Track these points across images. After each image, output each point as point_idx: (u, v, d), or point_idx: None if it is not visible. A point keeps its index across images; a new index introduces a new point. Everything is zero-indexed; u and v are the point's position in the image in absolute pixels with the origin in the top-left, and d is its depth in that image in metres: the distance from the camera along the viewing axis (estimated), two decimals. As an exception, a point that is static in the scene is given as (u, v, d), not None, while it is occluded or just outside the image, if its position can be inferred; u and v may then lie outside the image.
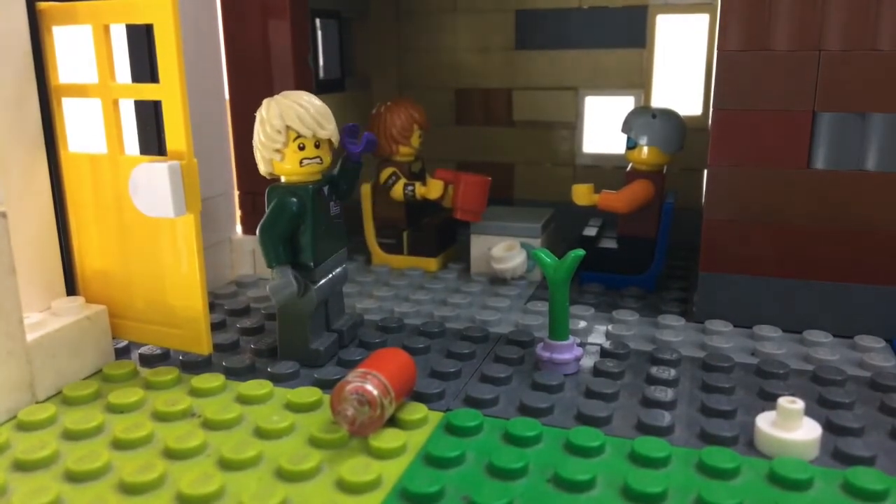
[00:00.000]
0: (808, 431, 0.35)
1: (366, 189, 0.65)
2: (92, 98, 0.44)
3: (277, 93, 0.58)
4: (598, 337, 0.50)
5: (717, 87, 0.48)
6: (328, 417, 0.38)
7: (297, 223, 0.43)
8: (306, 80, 0.60)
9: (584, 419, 0.38)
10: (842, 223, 0.48)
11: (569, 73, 0.72)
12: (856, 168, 0.47)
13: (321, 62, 0.71)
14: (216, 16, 0.58)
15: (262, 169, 0.44)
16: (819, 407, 0.39)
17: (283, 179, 0.44)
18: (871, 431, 0.37)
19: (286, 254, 0.43)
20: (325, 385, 0.42)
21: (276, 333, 0.46)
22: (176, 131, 0.41)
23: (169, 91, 0.41)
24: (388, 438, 0.35)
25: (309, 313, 0.44)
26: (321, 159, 0.44)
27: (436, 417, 0.38)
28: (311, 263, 0.44)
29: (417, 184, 0.63)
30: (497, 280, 0.60)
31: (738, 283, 0.50)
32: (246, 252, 0.62)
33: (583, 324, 0.50)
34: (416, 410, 0.38)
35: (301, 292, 0.43)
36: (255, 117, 0.44)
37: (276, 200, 0.43)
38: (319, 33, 0.70)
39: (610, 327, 0.50)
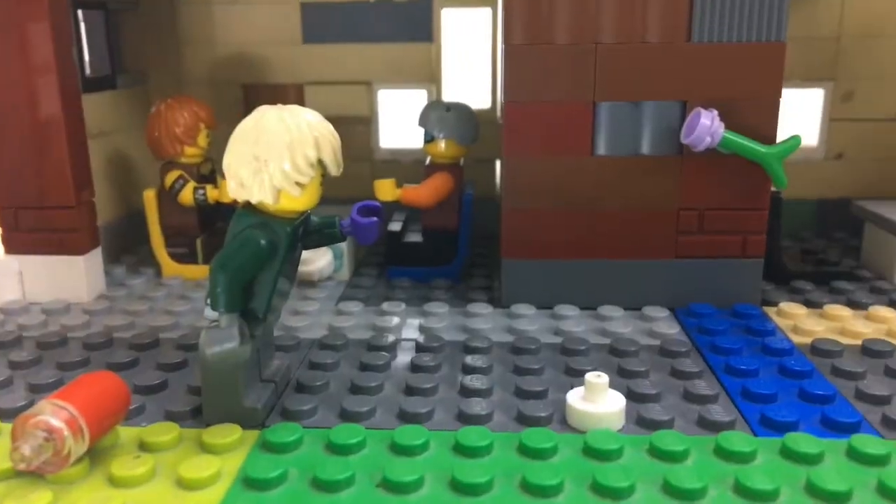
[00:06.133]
0: (614, 403, 0.37)
1: (149, 195, 0.60)
2: None
3: (41, 95, 0.52)
4: (412, 332, 0.49)
5: (506, 80, 0.50)
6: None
7: (262, 265, 0.36)
8: (71, 79, 0.53)
9: (406, 417, 0.38)
10: (622, 205, 0.51)
11: (361, 67, 0.71)
12: (632, 153, 0.50)
13: (87, 58, 0.64)
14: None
15: (255, 197, 0.35)
16: (620, 377, 0.42)
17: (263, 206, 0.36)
18: (666, 396, 0.40)
19: (242, 300, 0.35)
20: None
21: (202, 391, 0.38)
22: None
23: None
24: (200, 467, 0.33)
25: (242, 365, 0.36)
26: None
27: (251, 437, 0.36)
28: (261, 315, 0.36)
29: (209, 187, 0.59)
30: (304, 283, 0.58)
31: (537, 267, 0.53)
32: (11, 274, 0.55)
33: (396, 320, 0.50)
34: (229, 432, 0.36)
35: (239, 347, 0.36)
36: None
37: (247, 233, 0.35)
38: (83, 26, 0.63)
39: (422, 321, 0.50)
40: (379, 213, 0.40)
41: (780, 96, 0.49)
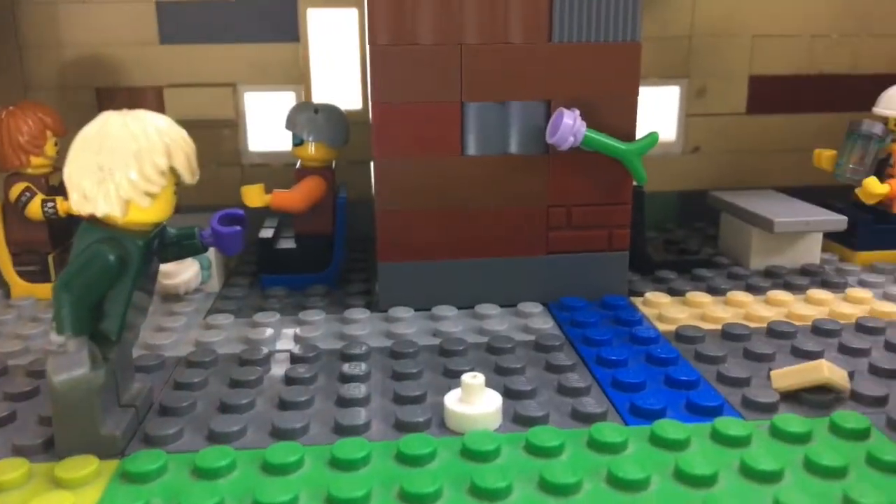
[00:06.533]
0: (490, 402, 0.37)
1: (-8, 210, 0.55)
2: None
3: None
4: (286, 342, 0.48)
5: (374, 80, 0.49)
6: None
7: (112, 283, 0.33)
8: None
9: (279, 434, 0.36)
10: (494, 204, 0.52)
11: (224, 68, 0.68)
12: (501, 153, 0.51)
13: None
14: None
15: (100, 209, 0.33)
16: (497, 376, 0.42)
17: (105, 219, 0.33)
18: (541, 391, 0.41)
19: (90, 322, 0.33)
20: None
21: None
22: None
23: None
24: (51, 505, 0.30)
25: (95, 392, 0.34)
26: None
27: (109, 467, 0.33)
28: (114, 337, 0.34)
29: (59, 199, 0.55)
30: (169, 297, 0.55)
31: (414, 269, 0.52)
32: None
33: (269, 331, 0.48)
34: (85, 464, 0.33)
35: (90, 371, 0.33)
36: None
37: (93, 250, 0.33)
38: None
39: (298, 330, 0.49)
40: (242, 222, 0.38)
41: (637, 94, 0.50)
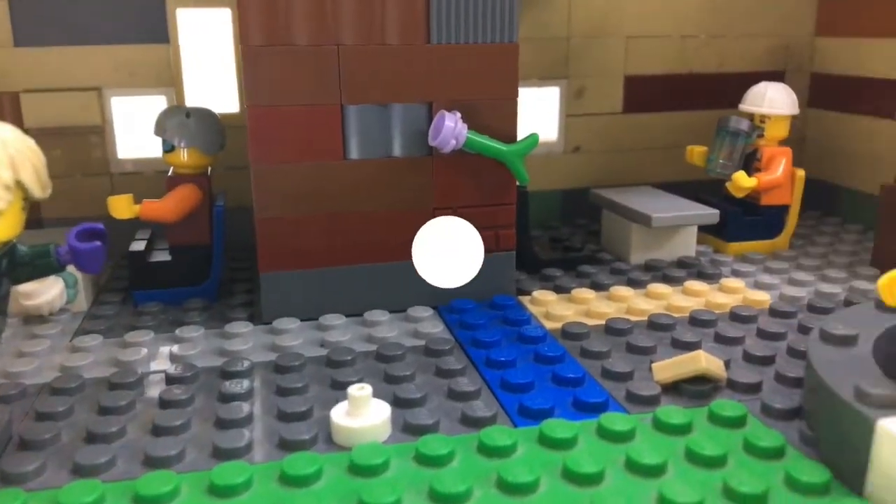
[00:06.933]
0: (378, 414, 0.36)
1: None
2: None
3: None
4: (161, 362, 0.45)
5: (247, 83, 0.47)
6: None
7: None
8: None
9: (153, 462, 0.34)
10: (379, 208, 0.51)
11: (88, 71, 0.64)
12: (385, 156, 0.50)
13: None
14: None
15: None
16: (386, 384, 0.41)
17: None
18: (432, 397, 0.40)
19: None
20: None
21: None
22: None
23: None
24: None
25: None
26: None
27: (-42, 514, 0.30)
28: None
29: None
30: (31, 319, 0.51)
31: (299, 278, 0.51)
32: None
33: (144, 351, 0.45)
34: (-74, 513, 0.30)
35: None
36: None
37: None
38: None
39: (174, 348, 0.46)
40: (102, 236, 0.36)
41: (517, 95, 0.51)
